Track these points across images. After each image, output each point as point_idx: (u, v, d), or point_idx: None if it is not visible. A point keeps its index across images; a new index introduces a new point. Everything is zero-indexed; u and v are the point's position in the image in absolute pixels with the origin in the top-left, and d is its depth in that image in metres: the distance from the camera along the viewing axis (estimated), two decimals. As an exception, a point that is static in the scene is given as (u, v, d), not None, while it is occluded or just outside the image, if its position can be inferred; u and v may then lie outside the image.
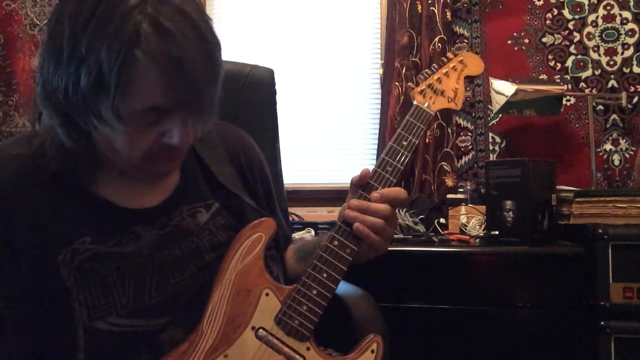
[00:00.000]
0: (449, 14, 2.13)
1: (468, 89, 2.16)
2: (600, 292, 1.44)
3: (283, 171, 1.28)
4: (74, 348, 0.73)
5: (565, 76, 2.10)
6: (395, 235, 1.66)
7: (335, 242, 0.82)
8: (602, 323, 1.43)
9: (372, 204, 0.83)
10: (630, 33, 2.06)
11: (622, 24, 2.06)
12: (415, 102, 0.94)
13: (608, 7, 2.07)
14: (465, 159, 2.17)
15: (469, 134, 2.18)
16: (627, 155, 2.04)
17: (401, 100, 2.11)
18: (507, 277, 1.56)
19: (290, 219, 1.80)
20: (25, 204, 0.76)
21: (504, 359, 1.51)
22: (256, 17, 2.39)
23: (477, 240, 1.66)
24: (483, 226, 1.72)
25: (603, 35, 2.08)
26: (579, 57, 2.09)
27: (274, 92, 1.29)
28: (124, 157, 0.74)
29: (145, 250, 0.78)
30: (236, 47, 2.35)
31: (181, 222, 0.83)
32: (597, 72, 2.08)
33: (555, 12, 2.12)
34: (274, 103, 1.28)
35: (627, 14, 2.06)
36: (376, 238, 0.82)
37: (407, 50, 2.12)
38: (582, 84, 2.09)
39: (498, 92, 1.93)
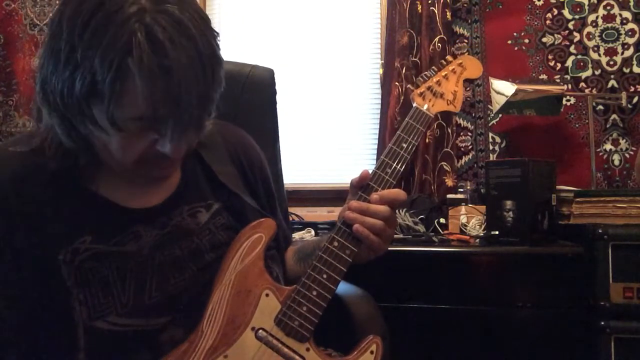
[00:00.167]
0: (449, 14, 2.13)
1: (468, 89, 2.16)
2: (600, 292, 1.44)
3: (283, 171, 1.29)
4: (74, 347, 0.73)
5: (565, 76, 2.10)
6: (395, 235, 1.66)
7: (335, 243, 0.82)
8: (602, 323, 1.43)
9: (371, 205, 0.83)
10: (630, 33, 2.06)
11: (622, 24, 2.06)
12: (414, 105, 0.95)
13: (608, 7, 2.07)
14: (465, 159, 2.17)
15: (469, 134, 2.18)
16: (627, 155, 2.04)
17: (401, 100, 2.11)
18: (507, 277, 1.56)
19: (290, 219, 1.80)
20: (26, 204, 0.76)
21: (504, 359, 1.51)
22: (256, 17, 2.39)
23: (477, 240, 1.66)
24: (483, 226, 1.72)
25: (603, 35, 2.08)
26: (579, 57, 2.09)
27: (274, 92, 1.29)
28: (119, 161, 0.74)
29: (146, 250, 0.78)
30: (236, 47, 2.35)
31: (181, 222, 0.83)
32: (597, 72, 2.08)
33: (555, 12, 2.12)
34: (274, 103, 1.28)
35: (627, 14, 2.06)
36: (376, 239, 0.82)
37: (407, 50, 2.12)
38: (582, 84, 2.09)
39: (498, 92, 1.93)
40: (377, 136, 2.20)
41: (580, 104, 2.07)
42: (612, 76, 2.06)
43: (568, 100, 2.08)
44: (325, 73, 2.33)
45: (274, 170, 1.16)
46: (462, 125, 2.18)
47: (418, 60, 2.13)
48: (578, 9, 2.10)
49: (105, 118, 0.66)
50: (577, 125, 2.08)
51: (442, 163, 2.10)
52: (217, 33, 0.71)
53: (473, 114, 2.18)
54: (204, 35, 0.67)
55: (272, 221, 0.86)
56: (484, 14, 2.18)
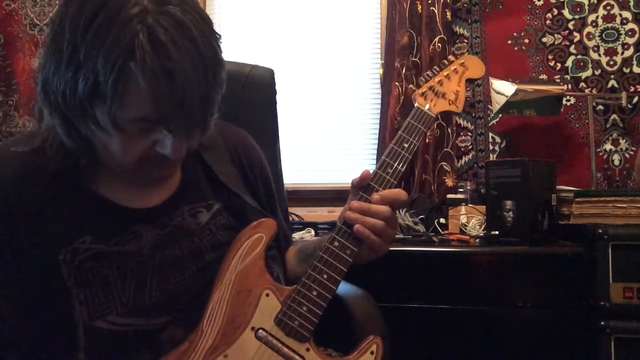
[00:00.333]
0: (449, 14, 2.13)
1: (468, 89, 2.16)
2: (600, 292, 1.44)
3: (283, 171, 1.29)
4: (74, 347, 0.73)
5: (565, 76, 2.10)
6: (396, 236, 1.66)
7: (336, 243, 0.82)
8: (602, 323, 1.43)
9: (372, 205, 0.83)
10: (630, 33, 2.06)
11: (622, 24, 2.06)
12: (416, 105, 0.94)
13: (608, 7, 2.07)
14: (465, 159, 2.17)
15: (469, 134, 2.18)
16: (627, 155, 2.04)
17: (401, 100, 2.11)
18: (507, 277, 1.56)
19: (290, 219, 1.80)
20: (26, 204, 0.76)
21: (504, 359, 1.51)
22: (256, 17, 2.39)
23: (477, 240, 1.66)
24: (483, 226, 1.72)
25: (603, 35, 2.08)
26: (579, 57, 2.09)
27: (274, 92, 1.29)
28: (119, 162, 0.74)
29: (146, 249, 0.78)
30: (236, 47, 2.35)
31: (182, 222, 0.83)
32: (597, 72, 2.08)
33: (555, 12, 2.12)
34: (274, 103, 1.28)
35: (627, 14, 2.06)
36: (376, 239, 0.82)
37: (407, 50, 2.12)
38: (582, 84, 2.09)
39: (498, 92, 1.93)
40: (377, 136, 2.20)
41: (580, 104, 2.07)
42: (612, 76, 2.06)
43: (568, 100, 2.08)
44: (325, 73, 2.33)
45: (274, 170, 1.16)
46: (462, 125, 2.18)
47: (418, 60, 2.13)
48: (578, 9, 2.10)
49: (107, 119, 0.66)
50: (577, 125, 2.08)
51: (442, 163, 2.10)
52: (219, 35, 0.71)
53: (473, 114, 2.18)
54: (206, 37, 0.67)
55: (273, 221, 0.86)
56: (484, 14, 2.18)
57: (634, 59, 2.05)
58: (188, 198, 0.85)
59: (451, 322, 1.54)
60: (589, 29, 2.09)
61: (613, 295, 1.43)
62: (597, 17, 2.08)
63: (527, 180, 1.55)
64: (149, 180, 0.82)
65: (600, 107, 2.05)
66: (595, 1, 2.08)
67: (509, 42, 2.15)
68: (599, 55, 2.08)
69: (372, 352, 0.79)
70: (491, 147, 2.16)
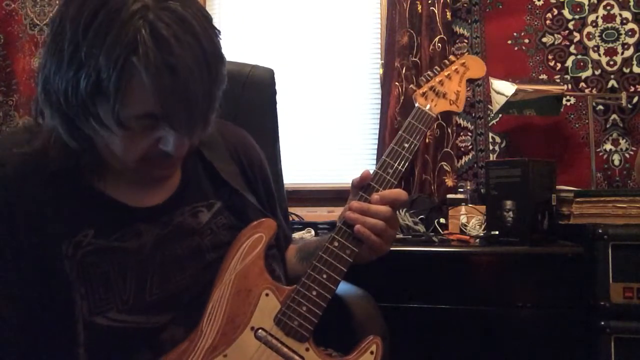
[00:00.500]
0: (449, 14, 2.13)
1: (468, 89, 2.16)
2: (600, 292, 1.44)
3: (283, 171, 1.28)
4: (74, 343, 0.73)
5: (565, 76, 2.10)
6: (396, 236, 1.66)
7: (336, 244, 0.82)
8: (602, 323, 1.43)
9: (372, 205, 0.83)
10: (630, 33, 2.05)
11: (622, 24, 2.06)
12: (417, 104, 0.94)
13: (608, 7, 2.07)
14: (465, 159, 2.17)
15: (469, 134, 2.18)
16: (627, 155, 2.04)
17: (401, 100, 2.11)
18: (507, 277, 1.56)
19: (290, 219, 1.80)
20: (26, 205, 0.76)
21: (504, 359, 1.51)
22: (256, 17, 2.39)
23: (477, 240, 1.66)
24: (483, 226, 1.72)
25: (603, 35, 2.08)
26: (579, 57, 2.09)
27: (274, 92, 1.29)
28: (121, 160, 0.75)
29: (147, 247, 0.78)
30: (236, 47, 2.35)
31: (183, 222, 0.83)
32: (597, 72, 2.08)
33: (555, 12, 2.12)
34: (274, 103, 1.28)
35: (627, 14, 2.06)
36: (377, 240, 0.82)
37: (407, 50, 2.12)
38: (582, 84, 2.09)
39: (498, 92, 1.93)
40: (377, 136, 2.20)
41: (580, 104, 2.07)
42: (612, 76, 2.06)
43: (568, 100, 2.08)
44: (325, 73, 2.33)
45: (274, 170, 1.16)
46: (462, 125, 2.18)
47: (418, 60, 2.13)
48: (578, 9, 2.10)
49: (110, 116, 0.66)
50: (577, 125, 2.08)
51: (442, 163, 2.10)
52: (219, 31, 0.71)
53: (473, 114, 2.18)
54: (207, 33, 0.67)
55: (273, 221, 0.86)
56: (484, 14, 2.18)
57: (634, 59, 2.04)
58: (188, 198, 0.85)
59: (451, 322, 1.54)
60: (589, 29, 2.09)
61: (613, 295, 1.43)
62: (597, 17, 2.08)
63: (527, 180, 1.55)
64: (150, 179, 0.82)
65: (600, 107, 2.05)
66: (595, 1, 2.08)
67: (509, 42, 2.15)
68: (599, 55, 2.08)
69: (371, 352, 0.79)
70: (491, 147, 2.16)
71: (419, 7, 2.12)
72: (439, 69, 0.99)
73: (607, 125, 2.06)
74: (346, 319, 0.97)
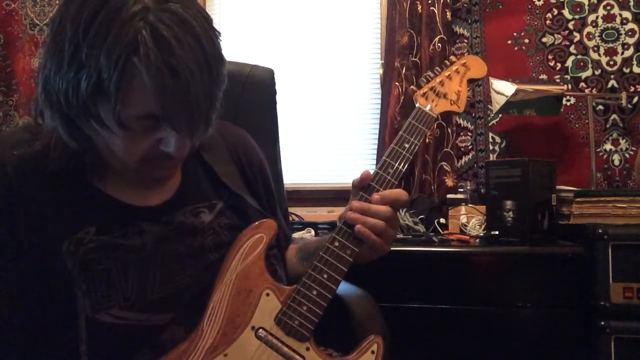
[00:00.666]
0: (449, 14, 2.13)
1: (468, 89, 2.15)
2: (600, 292, 1.44)
3: (283, 171, 1.29)
4: (75, 340, 0.73)
5: (565, 76, 2.10)
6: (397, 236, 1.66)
7: (336, 243, 0.83)
8: (602, 323, 1.43)
9: (372, 205, 0.83)
10: (630, 33, 2.06)
11: (622, 24, 2.06)
12: (417, 105, 0.94)
13: (608, 7, 2.07)
14: (465, 159, 2.17)
15: (469, 134, 2.18)
16: (627, 155, 2.04)
17: (401, 100, 2.11)
18: (507, 277, 1.56)
19: (290, 219, 1.80)
20: (27, 206, 0.76)
21: (504, 359, 1.51)
22: (256, 17, 2.39)
23: (477, 240, 1.66)
24: (483, 226, 1.72)
25: (603, 35, 2.08)
26: (579, 57, 2.09)
27: (274, 92, 1.29)
28: (122, 161, 0.75)
29: (149, 245, 0.78)
30: (236, 47, 2.35)
31: (184, 221, 0.83)
32: (597, 72, 2.08)
33: (555, 12, 2.12)
34: (274, 103, 1.28)
35: (627, 14, 2.06)
36: (377, 240, 0.82)
37: (407, 50, 2.12)
38: (582, 84, 2.09)
39: (498, 92, 1.93)
40: (377, 136, 2.20)
41: (580, 104, 2.07)
42: (612, 76, 2.06)
43: (568, 100, 2.08)
44: (325, 73, 2.33)
45: (274, 170, 1.16)
46: (462, 125, 2.18)
47: (418, 60, 2.13)
48: (578, 9, 2.10)
49: (111, 117, 0.66)
50: (577, 125, 2.09)
51: (442, 163, 2.10)
52: (219, 32, 0.71)
53: (473, 114, 2.18)
54: (208, 34, 0.67)
55: (273, 222, 0.87)
56: (484, 14, 2.18)
57: (634, 59, 2.05)
58: (189, 198, 0.85)
59: (451, 322, 1.54)
60: (589, 29, 2.09)
61: (613, 295, 1.43)
62: (597, 17, 2.08)
63: (527, 180, 1.55)
64: (150, 180, 0.82)
65: (600, 107, 2.05)
66: (595, 1, 2.08)
67: (509, 42, 2.15)
68: (599, 55, 2.08)
69: (372, 352, 0.79)
70: (491, 147, 2.16)
71: (419, 7, 2.12)
72: (439, 70, 0.99)
73: (607, 125, 2.06)
74: (346, 319, 0.97)
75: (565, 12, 2.11)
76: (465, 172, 2.16)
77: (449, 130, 2.11)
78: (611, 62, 2.07)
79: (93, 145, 0.75)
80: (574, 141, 2.08)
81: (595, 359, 1.45)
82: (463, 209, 1.79)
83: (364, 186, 0.86)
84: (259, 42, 2.37)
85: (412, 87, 2.05)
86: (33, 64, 2.47)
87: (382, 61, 2.22)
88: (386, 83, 2.16)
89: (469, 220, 1.76)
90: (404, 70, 2.11)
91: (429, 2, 2.12)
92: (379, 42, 2.31)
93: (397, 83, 2.12)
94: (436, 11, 2.12)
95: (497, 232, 1.59)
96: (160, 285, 0.77)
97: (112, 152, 0.74)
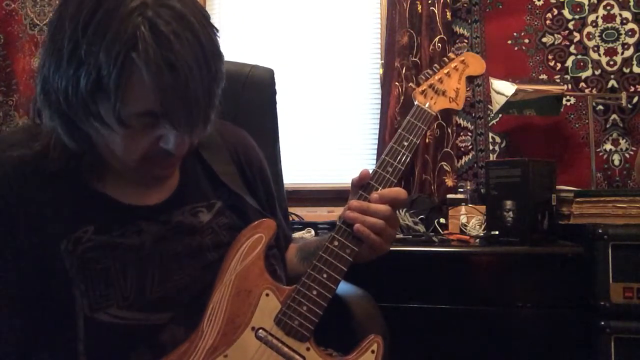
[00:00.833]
0: (449, 14, 2.13)
1: (468, 89, 2.15)
2: (600, 292, 1.44)
3: (283, 171, 1.28)
4: (74, 339, 0.73)
5: (565, 76, 2.10)
6: (396, 235, 1.66)
7: (336, 243, 0.82)
8: (602, 323, 1.43)
9: (371, 204, 0.83)
10: (630, 33, 2.06)
11: (622, 24, 2.06)
12: (416, 103, 0.94)
13: (608, 7, 2.07)
14: (465, 159, 2.17)
15: (469, 134, 2.18)
16: (627, 155, 2.04)
17: (401, 100, 2.11)
18: (507, 277, 1.56)
19: (290, 219, 1.80)
20: (26, 206, 0.75)
21: (504, 359, 1.51)
22: (256, 17, 2.39)
23: (477, 240, 1.66)
24: (483, 226, 1.72)
25: (603, 35, 2.08)
26: (579, 57, 2.09)
27: (274, 92, 1.29)
28: (121, 159, 0.75)
29: (147, 244, 0.78)
30: (236, 47, 2.35)
31: (183, 221, 0.83)
32: (597, 72, 2.08)
33: (555, 12, 2.12)
34: (274, 103, 1.28)
35: (627, 14, 2.06)
36: (377, 239, 0.82)
37: (407, 50, 2.12)
38: (582, 84, 2.09)
39: (498, 92, 1.93)
40: (377, 136, 2.20)
41: (580, 104, 2.07)
42: (612, 76, 2.06)
43: (568, 100, 2.08)
44: (325, 73, 2.33)
45: (274, 170, 1.16)
46: (462, 125, 2.18)
47: (418, 60, 2.13)
48: (578, 9, 2.10)
49: (111, 114, 0.66)
50: (577, 125, 2.08)
51: (442, 163, 2.10)
52: (217, 29, 0.71)
53: (473, 114, 2.18)
54: (206, 30, 0.68)
55: (272, 221, 0.86)
56: (484, 14, 2.18)
57: (634, 59, 2.04)
58: (188, 198, 0.85)
59: (451, 322, 1.54)
60: (589, 29, 2.09)
61: (613, 295, 1.43)
62: (597, 17, 2.08)
63: (527, 180, 1.55)
64: (150, 179, 0.82)
65: (600, 107, 2.05)
66: (595, 1, 2.08)
67: (509, 42, 2.15)
68: (599, 55, 2.08)
69: (372, 351, 0.79)
70: (491, 147, 2.16)
71: (419, 7, 2.12)
72: (438, 67, 0.99)
73: (607, 125, 2.06)
74: (346, 319, 0.97)
75: (565, 12, 2.11)
76: (465, 172, 2.16)
77: (449, 130, 2.11)
78: (611, 62, 2.07)
79: (92, 145, 0.75)
80: (574, 141, 2.08)
81: (595, 359, 1.45)
82: (463, 209, 1.79)
83: (363, 185, 0.86)
84: (259, 42, 2.37)
85: (410, 84, 2.07)
86: (33, 64, 2.47)
87: (382, 61, 2.22)
88: (386, 83, 2.16)
89: (469, 220, 1.76)
90: (404, 70, 2.11)
91: (429, 2, 2.12)
92: (379, 42, 2.31)
93: (397, 83, 2.12)
94: (436, 11, 2.12)
95: (497, 232, 1.59)
96: (159, 284, 0.77)
97: (111, 151, 0.74)
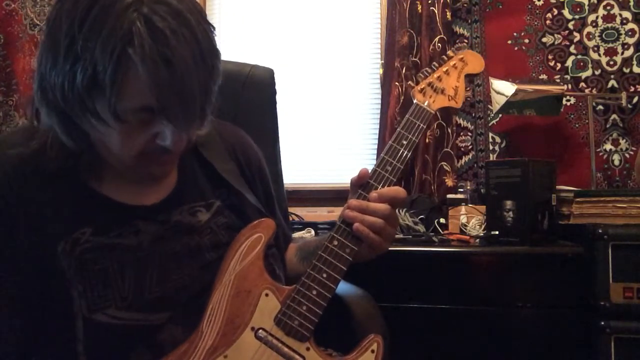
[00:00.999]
0: (449, 14, 2.13)
1: (468, 89, 2.16)
2: (600, 292, 1.44)
3: (283, 171, 1.28)
4: (73, 339, 0.73)
5: (565, 76, 2.10)
6: (396, 235, 1.66)
7: (335, 242, 0.82)
8: (602, 323, 1.43)
9: (371, 203, 0.83)
10: (630, 33, 2.05)
11: (622, 24, 2.06)
12: (415, 101, 0.94)
13: (608, 7, 2.07)
14: (465, 159, 2.17)
15: (469, 134, 2.18)
16: (627, 155, 2.04)
17: (401, 100, 2.11)
18: (507, 277, 1.56)
19: (290, 219, 1.80)
20: (26, 206, 0.75)
21: (504, 359, 1.51)
22: (256, 17, 2.39)
23: (477, 240, 1.66)
24: (483, 226, 1.72)
25: (603, 35, 2.08)
26: (579, 57, 2.09)
27: (274, 92, 1.29)
28: (119, 157, 0.75)
29: (145, 244, 0.78)
30: (236, 47, 2.35)
31: (181, 220, 0.83)
32: (597, 72, 2.08)
33: (555, 12, 2.12)
34: (274, 103, 1.28)
35: (627, 14, 2.06)
36: (376, 238, 0.82)
37: (407, 50, 2.12)
38: (582, 84, 2.09)
39: (498, 92, 1.93)
40: (377, 136, 2.20)
41: (580, 104, 2.07)
42: (612, 76, 2.06)
43: (568, 100, 2.07)
44: (325, 73, 2.33)
45: (274, 170, 1.16)
46: (462, 125, 2.18)
47: (418, 60, 2.13)
48: (578, 9, 2.10)
49: (107, 110, 0.66)
50: (577, 125, 2.08)
51: (442, 163, 2.10)
52: (214, 27, 0.71)
53: (473, 114, 2.18)
54: (202, 26, 0.68)
55: (272, 221, 0.86)
56: (484, 14, 2.18)
57: (634, 59, 2.04)
58: (186, 197, 0.85)
59: (451, 322, 1.54)
60: (589, 29, 2.09)
61: (613, 295, 1.43)
62: (597, 17, 2.08)
63: (527, 180, 1.55)
64: (147, 177, 0.82)
65: (600, 107, 2.05)
66: (595, 1, 2.08)
67: (509, 42, 2.15)
68: (599, 55, 2.08)
69: (372, 351, 0.79)
70: (491, 147, 2.16)
71: (419, 7, 2.12)
72: (437, 65, 0.98)
73: (607, 125, 2.06)
74: (346, 318, 0.97)
75: (565, 12, 2.11)
76: (465, 172, 2.16)
77: (449, 130, 2.11)
78: (611, 62, 2.06)
79: (90, 143, 0.75)
80: (574, 141, 2.08)
81: (595, 359, 1.45)
82: (463, 209, 1.79)
83: (362, 184, 0.86)
84: (259, 42, 2.37)
85: (409, 82, 2.07)
86: (33, 64, 2.47)
87: (382, 61, 2.22)
88: (386, 83, 2.16)
89: (469, 220, 1.76)
90: (404, 70, 2.11)
91: (429, 2, 2.12)
92: (379, 42, 2.31)
93: (397, 83, 2.12)
94: (436, 11, 2.12)
95: (497, 232, 1.59)
96: (157, 284, 0.77)
97: (108, 148, 0.74)
